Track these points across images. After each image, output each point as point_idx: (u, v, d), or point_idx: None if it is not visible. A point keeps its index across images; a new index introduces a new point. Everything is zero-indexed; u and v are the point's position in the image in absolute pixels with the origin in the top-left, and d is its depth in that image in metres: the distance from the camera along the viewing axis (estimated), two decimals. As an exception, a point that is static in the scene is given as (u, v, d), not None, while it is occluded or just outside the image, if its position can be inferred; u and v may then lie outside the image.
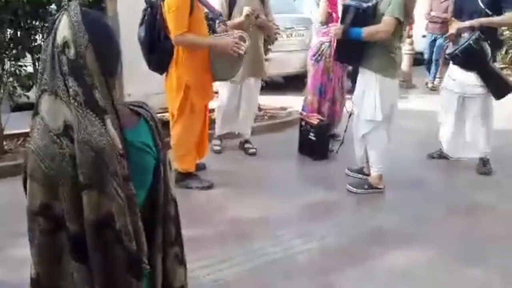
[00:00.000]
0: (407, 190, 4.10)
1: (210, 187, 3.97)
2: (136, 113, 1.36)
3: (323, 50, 4.89)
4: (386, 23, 3.59)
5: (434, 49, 7.97)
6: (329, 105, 5.02)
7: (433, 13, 7.70)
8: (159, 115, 4.46)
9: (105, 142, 1.16)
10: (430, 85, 8.19)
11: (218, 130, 4.80)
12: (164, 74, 3.74)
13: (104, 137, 1.16)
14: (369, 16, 3.68)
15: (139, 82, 4.44)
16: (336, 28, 3.86)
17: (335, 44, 4.18)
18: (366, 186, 4.04)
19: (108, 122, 1.18)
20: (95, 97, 1.17)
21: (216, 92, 5.54)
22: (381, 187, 4.03)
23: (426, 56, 8.27)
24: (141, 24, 3.59)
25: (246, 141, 4.89)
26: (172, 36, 3.46)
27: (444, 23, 7.27)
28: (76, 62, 1.17)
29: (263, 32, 4.69)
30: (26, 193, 1.25)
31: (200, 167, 4.18)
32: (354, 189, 4.03)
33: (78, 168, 1.16)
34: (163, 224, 1.39)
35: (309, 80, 5.07)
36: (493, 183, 4.34)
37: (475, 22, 4.15)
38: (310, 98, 5.05)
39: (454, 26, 4.37)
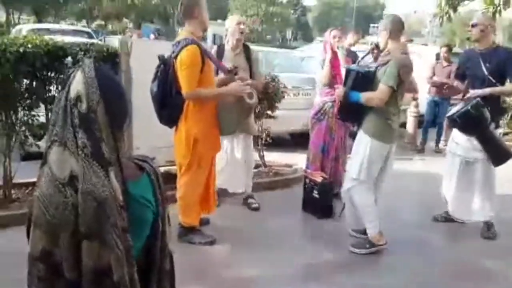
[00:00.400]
0: (411, 252, 4.06)
1: (213, 242, 3.94)
2: (140, 167, 1.40)
3: (325, 109, 4.99)
4: (381, 91, 3.72)
5: (438, 113, 8.08)
6: (332, 164, 5.06)
7: (435, 78, 7.88)
8: (166, 168, 4.58)
9: (107, 193, 1.20)
10: (435, 147, 8.24)
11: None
12: (174, 128, 3.82)
13: (107, 188, 1.20)
14: (369, 80, 3.81)
15: (148, 135, 4.52)
16: (339, 90, 3.98)
17: (338, 104, 4.28)
18: (367, 245, 4.00)
19: (112, 174, 1.22)
20: (102, 150, 1.22)
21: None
22: (382, 244, 3.99)
23: (425, 118, 8.33)
24: (154, 79, 3.69)
25: (249, 196, 4.89)
26: (184, 92, 3.56)
27: (447, 88, 7.45)
28: (87, 116, 1.23)
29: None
30: (28, 240, 1.28)
31: (204, 222, 4.17)
32: (357, 250, 3.99)
33: (80, 217, 1.20)
34: (158, 278, 1.41)
35: (311, 139, 5.13)
36: (498, 248, 4.28)
37: (485, 91, 4.25)
38: (312, 157, 5.10)
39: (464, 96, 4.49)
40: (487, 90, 4.27)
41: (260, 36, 42.82)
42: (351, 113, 4.05)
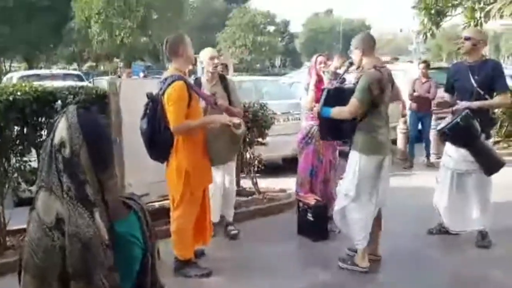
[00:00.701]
0: (408, 266, 4.09)
1: (209, 274, 3.94)
2: (127, 205, 1.45)
3: (312, 133, 5.05)
4: (349, 104, 3.85)
5: (422, 128, 8.17)
6: (322, 187, 5.09)
7: (415, 94, 8.02)
8: (159, 203, 4.62)
9: (91, 233, 1.25)
10: (426, 161, 8.29)
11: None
12: (165, 163, 3.88)
13: (91, 228, 1.25)
14: (341, 96, 3.95)
15: (140, 172, 4.58)
16: (315, 107, 4.15)
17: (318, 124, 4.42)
18: (349, 262, 4.06)
19: (97, 214, 1.28)
20: (86, 192, 1.28)
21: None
22: (362, 267, 3.98)
23: (410, 133, 8.39)
24: (143, 117, 3.76)
25: (228, 224, 4.88)
26: (172, 127, 3.64)
27: (427, 102, 7.58)
28: (71, 160, 1.29)
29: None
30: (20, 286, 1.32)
31: (199, 254, 4.18)
32: (340, 263, 4.08)
33: (67, 259, 1.24)
34: None
35: (300, 163, 5.18)
36: (493, 257, 4.31)
37: (473, 104, 4.32)
38: (301, 180, 5.14)
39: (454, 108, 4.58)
40: (476, 104, 4.33)
41: (249, 65, 43.35)
42: (330, 129, 4.20)
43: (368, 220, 3.98)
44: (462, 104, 4.39)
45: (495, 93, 4.45)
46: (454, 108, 4.49)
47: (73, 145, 1.30)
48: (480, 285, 3.81)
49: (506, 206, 5.38)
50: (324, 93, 4.12)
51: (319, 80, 5.00)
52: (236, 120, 3.86)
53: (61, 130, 1.32)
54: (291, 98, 8.15)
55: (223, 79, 4.71)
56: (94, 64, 39.75)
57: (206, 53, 4.66)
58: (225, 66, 8.30)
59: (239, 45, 43.14)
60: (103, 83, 7.37)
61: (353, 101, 3.83)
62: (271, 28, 50.41)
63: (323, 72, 5.00)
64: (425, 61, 8.81)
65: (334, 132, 4.20)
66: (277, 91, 8.91)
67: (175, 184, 3.81)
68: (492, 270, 4.02)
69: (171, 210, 3.94)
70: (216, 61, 4.58)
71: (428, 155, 8.32)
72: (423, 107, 7.82)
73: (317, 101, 4.95)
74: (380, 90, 3.82)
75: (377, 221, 4.10)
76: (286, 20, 60.74)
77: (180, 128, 3.68)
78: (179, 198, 3.81)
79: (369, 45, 3.99)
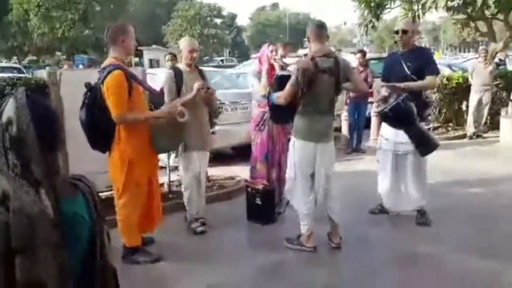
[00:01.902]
0: (352, 246, 4.24)
1: (158, 260, 3.96)
2: (75, 185, 1.46)
3: (265, 119, 5.16)
4: (284, 90, 3.99)
5: (357, 115, 8.42)
6: (277, 170, 5.22)
7: None
8: (105, 193, 4.56)
9: (37, 210, 1.26)
10: (358, 148, 8.49)
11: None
12: (108, 154, 3.83)
13: (37, 205, 1.26)
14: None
15: (84, 162, 4.48)
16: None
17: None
18: (295, 242, 4.19)
19: (42, 192, 1.28)
20: (32, 170, 1.29)
21: (163, 167, 5.68)
22: (308, 246, 4.12)
23: (349, 121, 8.59)
24: (82, 107, 3.69)
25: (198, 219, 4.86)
26: (113, 116, 3.58)
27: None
28: (17, 139, 1.30)
29: (208, 107, 4.86)
30: None
31: (148, 241, 4.17)
32: (285, 242, 4.23)
33: (12, 233, 1.25)
34: None
35: (255, 149, 5.26)
36: (431, 234, 4.55)
37: (404, 84, 4.53)
38: (258, 166, 5.22)
39: (381, 87, 4.78)
40: (405, 84, 4.52)
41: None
42: (277, 113, 4.34)
43: (309, 203, 4.11)
44: (388, 84, 4.62)
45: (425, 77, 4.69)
46: (385, 88, 4.65)
47: (20, 124, 1.31)
48: (421, 260, 4.00)
49: (440, 186, 5.69)
50: (275, 80, 4.26)
51: (271, 68, 5.09)
52: (180, 109, 3.87)
53: (9, 110, 1.33)
54: (239, 88, 8.21)
55: (199, 70, 4.76)
56: (35, 57, 38.21)
57: (186, 45, 4.62)
58: (174, 56, 8.27)
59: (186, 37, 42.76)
60: (42, 74, 7.14)
61: (286, 87, 3.98)
62: (218, 21, 50.29)
63: (275, 59, 5.09)
64: (361, 51, 9.09)
65: (282, 116, 4.32)
66: (225, 81, 8.94)
67: (117, 174, 3.77)
68: (431, 246, 4.24)
69: (115, 200, 3.90)
70: (195, 54, 4.59)
71: (359, 141, 8.56)
72: (359, 95, 7.95)
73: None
74: (306, 78, 3.90)
75: (328, 210, 4.21)
76: (233, 14, 60.68)
77: (123, 119, 3.63)
78: (121, 188, 3.78)
79: (314, 33, 4.08)
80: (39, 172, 1.30)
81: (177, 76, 4.49)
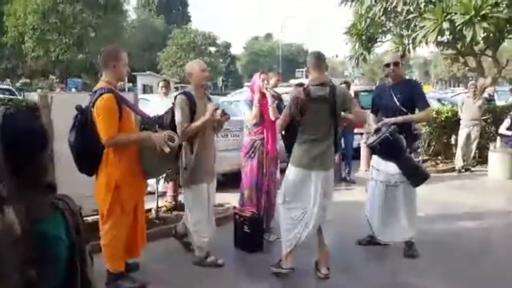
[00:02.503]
0: (337, 275, 4.20)
1: (143, 286, 3.90)
2: (55, 205, 1.45)
3: (256, 147, 5.18)
4: (281, 116, 4.18)
5: (345, 145, 8.38)
6: (265, 198, 5.21)
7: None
8: (92, 217, 4.51)
9: (0, 228, 1.24)
10: (348, 177, 8.48)
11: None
12: (95, 177, 3.80)
13: (0, 223, 1.25)
14: None
15: (72, 185, 4.42)
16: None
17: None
18: (276, 266, 4.20)
19: (9, 210, 1.27)
20: None
21: (152, 192, 5.64)
22: (284, 267, 4.13)
23: None
24: (71, 129, 3.68)
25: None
26: (103, 139, 3.57)
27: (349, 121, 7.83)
28: None
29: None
30: None
31: (133, 267, 4.12)
32: (271, 267, 4.24)
33: None
34: None
35: (244, 177, 5.26)
36: (420, 266, 4.53)
37: (399, 119, 4.57)
38: (247, 193, 5.21)
39: (372, 124, 4.84)
40: (401, 118, 4.58)
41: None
42: (288, 143, 4.34)
43: (290, 228, 4.10)
44: (387, 120, 4.63)
45: (417, 110, 4.75)
46: (380, 124, 4.69)
47: None
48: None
49: (429, 219, 5.70)
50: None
51: (262, 97, 5.14)
52: (171, 134, 3.84)
53: None
54: (231, 116, 8.24)
55: (206, 94, 4.61)
56: (28, 80, 38.25)
57: (196, 66, 4.40)
58: (168, 83, 8.32)
59: (180, 65, 43.07)
60: (34, 97, 7.14)
61: (281, 116, 4.11)
62: (213, 49, 50.86)
63: (266, 88, 5.14)
64: (345, 82, 9.13)
65: (291, 145, 4.28)
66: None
67: (103, 198, 3.73)
68: (419, 278, 4.22)
69: (100, 224, 3.85)
70: (207, 73, 4.47)
71: (349, 172, 8.56)
72: (345, 126, 8.03)
73: (261, 116, 5.09)
74: (297, 106, 3.99)
75: (319, 237, 4.20)
76: (227, 42, 61.44)
77: (113, 143, 3.60)
78: (107, 212, 3.73)
79: (312, 63, 4.17)
80: (5, 190, 1.29)
81: (190, 99, 4.24)
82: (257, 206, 5.13)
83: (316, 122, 4.06)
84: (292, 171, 4.14)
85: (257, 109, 5.08)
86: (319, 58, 4.19)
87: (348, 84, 8.95)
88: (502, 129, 9.54)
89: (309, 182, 4.08)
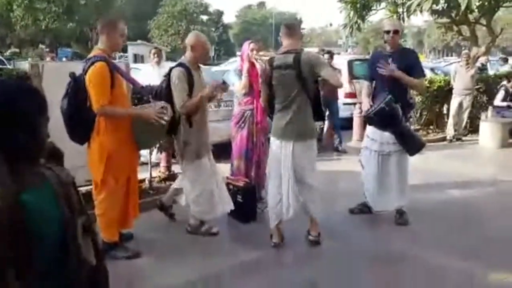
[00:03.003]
0: (329, 244, 4.27)
1: (138, 255, 3.95)
2: (42, 175, 1.38)
3: (246, 117, 5.16)
4: None
5: (329, 113, 8.25)
6: (255, 169, 5.23)
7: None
8: (85, 188, 4.51)
9: None
10: (340, 148, 8.46)
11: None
12: (87, 146, 3.79)
13: None
14: None
15: (65, 155, 4.43)
16: None
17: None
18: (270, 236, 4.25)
19: None
20: None
21: (145, 163, 5.65)
22: (273, 241, 4.20)
23: None
24: (64, 96, 3.66)
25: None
26: (94, 107, 3.56)
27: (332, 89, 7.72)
28: None
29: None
30: None
31: (127, 237, 4.15)
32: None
33: None
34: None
35: (234, 146, 5.28)
36: (409, 233, 4.61)
37: (397, 73, 4.51)
38: (237, 163, 5.24)
39: (365, 93, 4.84)
40: (399, 73, 4.51)
41: (182, 53, 42.80)
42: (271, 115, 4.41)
43: (275, 201, 4.14)
44: (388, 68, 4.54)
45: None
46: (386, 71, 4.57)
47: None
48: (398, 261, 4.05)
49: (420, 187, 5.77)
50: None
51: (252, 66, 5.09)
52: (163, 104, 3.82)
53: None
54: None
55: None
56: (17, 50, 37.64)
57: (203, 41, 4.32)
58: (160, 51, 8.22)
59: (172, 33, 42.49)
60: (25, 66, 7.05)
61: None
62: (205, 18, 50.12)
63: (256, 59, 5.08)
64: (328, 52, 9.01)
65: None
66: (208, 79, 8.89)
67: (96, 167, 3.73)
68: (410, 245, 4.30)
69: (94, 194, 3.86)
70: (209, 47, 4.48)
71: (340, 141, 8.52)
72: (329, 93, 7.65)
73: (250, 86, 5.06)
74: (263, 78, 4.08)
75: (305, 209, 4.21)
76: (219, 11, 60.53)
77: (104, 112, 3.60)
78: (100, 182, 3.74)
79: (282, 32, 4.16)
80: None
81: (188, 72, 4.15)
82: (246, 175, 5.14)
83: (282, 90, 4.05)
84: (271, 142, 4.21)
85: (246, 79, 5.04)
86: (289, 27, 4.16)
87: (331, 54, 8.77)
88: (497, 101, 9.55)
89: (280, 153, 4.07)
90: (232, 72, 5.45)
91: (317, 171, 4.23)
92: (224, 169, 5.89)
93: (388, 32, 4.72)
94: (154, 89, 4.38)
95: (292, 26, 4.25)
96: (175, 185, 4.86)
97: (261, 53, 5.25)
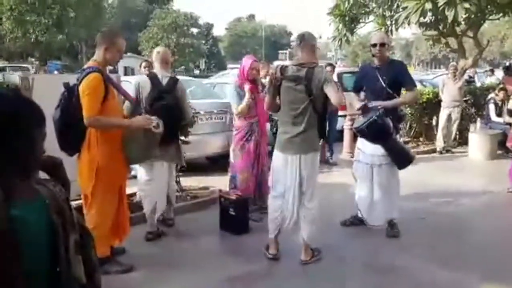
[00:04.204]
0: (324, 256, 4.27)
1: (130, 270, 3.92)
2: (35, 190, 1.37)
3: (253, 130, 5.21)
4: None
5: (328, 128, 8.44)
6: (260, 178, 5.26)
7: None
8: (77, 202, 4.48)
9: None
10: (331, 161, 8.47)
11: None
12: (77, 159, 3.77)
13: None
14: None
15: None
16: None
17: None
18: (265, 247, 4.27)
19: None
20: None
21: (135, 177, 5.62)
22: (269, 253, 4.21)
23: None
24: (57, 106, 3.66)
25: (168, 219, 5.02)
26: (85, 118, 3.54)
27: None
28: None
29: None
30: None
31: (119, 251, 4.12)
32: (263, 248, 4.31)
33: None
34: None
35: (240, 160, 5.24)
36: (400, 245, 4.64)
37: (388, 103, 4.58)
38: (244, 176, 5.23)
39: (355, 104, 4.87)
40: (389, 103, 4.59)
41: (173, 66, 42.92)
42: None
43: (276, 213, 4.14)
44: (376, 103, 4.62)
45: (404, 91, 4.77)
46: (368, 105, 4.67)
47: None
48: (390, 272, 4.06)
49: (410, 199, 5.81)
50: None
51: (253, 85, 5.15)
52: (155, 120, 3.83)
53: None
54: (214, 98, 8.23)
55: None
56: (7, 62, 37.45)
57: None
58: (150, 64, 8.21)
59: (162, 46, 42.55)
60: (14, 78, 7.01)
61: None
62: (195, 31, 50.29)
63: (255, 80, 5.13)
64: (330, 64, 9.12)
65: None
66: (200, 91, 8.95)
67: (86, 179, 3.70)
68: (401, 257, 4.33)
69: (84, 207, 3.82)
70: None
71: (331, 154, 8.56)
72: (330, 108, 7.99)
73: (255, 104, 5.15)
74: (272, 83, 4.01)
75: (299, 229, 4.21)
76: (209, 24, 60.79)
77: (95, 122, 3.58)
78: (90, 195, 3.72)
79: (295, 43, 4.18)
80: None
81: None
82: (254, 187, 5.20)
83: (291, 103, 4.00)
84: (274, 155, 4.20)
85: (249, 102, 5.09)
86: (303, 39, 4.10)
87: (333, 66, 8.89)
88: (493, 117, 9.55)
89: (286, 166, 4.05)
90: (231, 88, 5.39)
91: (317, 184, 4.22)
92: (218, 182, 5.92)
93: (374, 45, 4.73)
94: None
95: (307, 37, 4.11)
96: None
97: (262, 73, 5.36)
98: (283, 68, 3.98)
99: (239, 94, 5.19)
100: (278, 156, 4.13)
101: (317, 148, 4.16)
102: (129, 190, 4.59)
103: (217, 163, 7.46)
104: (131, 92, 4.41)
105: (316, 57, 4.11)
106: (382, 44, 4.70)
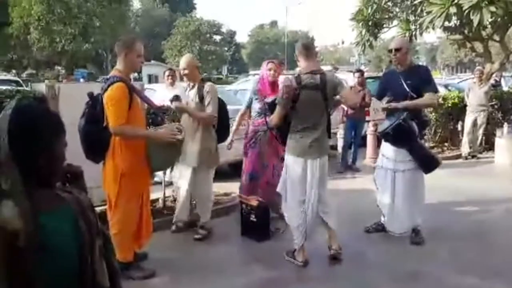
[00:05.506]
0: (345, 263, 4.24)
1: (152, 275, 3.95)
2: (62, 198, 1.40)
3: (258, 138, 5.18)
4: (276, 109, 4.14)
5: (354, 135, 8.37)
6: (266, 188, 5.17)
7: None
8: (101, 208, 4.55)
9: None
10: (354, 167, 8.43)
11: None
12: (102, 166, 3.83)
13: None
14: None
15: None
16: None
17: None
18: (289, 255, 4.25)
19: (7, 203, 1.26)
20: None
21: (159, 183, 5.69)
22: (298, 260, 4.18)
23: (342, 141, 8.55)
24: (82, 115, 3.76)
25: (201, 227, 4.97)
26: (111, 127, 3.61)
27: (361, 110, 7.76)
28: None
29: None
30: None
31: (141, 257, 4.16)
32: (284, 254, 4.31)
33: None
34: None
35: (244, 165, 5.31)
36: (425, 252, 4.56)
37: (405, 103, 4.56)
38: (242, 181, 5.28)
39: (381, 108, 4.84)
40: (406, 103, 4.56)
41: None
42: (283, 136, 4.29)
43: (300, 220, 4.13)
44: (395, 104, 4.63)
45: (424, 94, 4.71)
46: (390, 106, 4.68)
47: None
48: (414, 279, 4.01)
49: (435, 206, 5.71)
50: (268, 107, 4.47)
51: (272, 86, 5.11)
52: (177, 125, 3.89)
53: None
54: (237, 105, 8.24)
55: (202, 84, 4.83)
56: (34, 71, 38.36)
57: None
58: (174, 72, 8.31)
59: (185, 54, 42.93)
60: (41, 87, 7.16)
61: (276, 108, 4.12)
62: (217, 38, 50.62)
63: (275, 84, 5.10)
64: (360, 70, 9.01)
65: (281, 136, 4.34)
66: (224, 98, 8.98)
67: (111, 186, 3.77)
68: (425, 264, 4.25)
69: (108, 213, 3.88)
70: (183, 72, 4.84)
71: (354, 161, 8.51)
72: (357, 114, 7.89)
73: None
74: (289, 95, 3.99)
75: (325, 225, 4.27)
76: (232, 31, 61.16)
77: (120, 131, 3.64)
78: (115, 202, 3.78)
79: (300, 51, 4.17)
80: (9, 184, 1.28)
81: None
82: (251, 194, 5.13)
83: (309, 110, 4.06)
84: (289, 161, 4.19)
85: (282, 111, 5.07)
86: (308, 47, 4.20)
87: (362, 72, 8.77)
88: None
89: (306, 171, 4.10)
90: (251, 93, 5.41)
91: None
92: (237, 188, 5.92)
93: (390, 51, 4.78)
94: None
95: (311, 45, 4.31)
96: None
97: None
98: (298, 78, 4.03)
99: (250, 99, 5.24)
100: (296, 162, 4.12)
101: (328, 150, 4.34)
102: (152, 196, 4.64)
103: (239, 169, 7.45)
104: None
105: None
106: (397, 50, 4.70)
